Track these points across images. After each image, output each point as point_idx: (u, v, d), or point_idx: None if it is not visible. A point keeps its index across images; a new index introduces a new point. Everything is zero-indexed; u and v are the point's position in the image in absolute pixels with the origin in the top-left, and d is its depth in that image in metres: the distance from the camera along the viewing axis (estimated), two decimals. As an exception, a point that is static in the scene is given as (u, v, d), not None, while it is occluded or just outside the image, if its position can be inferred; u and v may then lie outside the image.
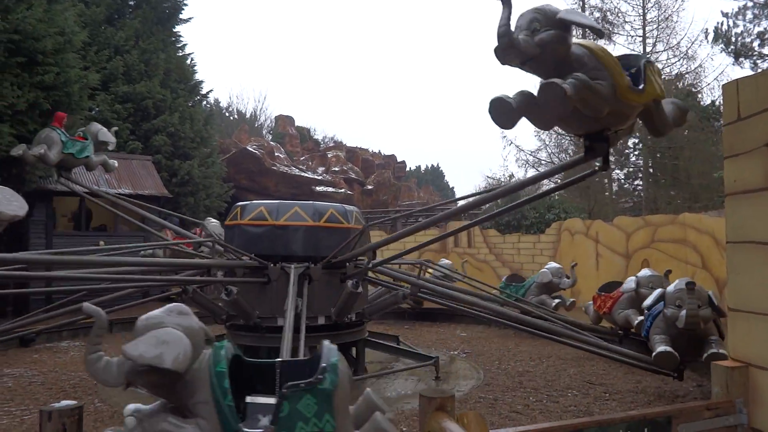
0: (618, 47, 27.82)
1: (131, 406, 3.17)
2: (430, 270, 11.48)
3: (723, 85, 3.62)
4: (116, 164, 10.79)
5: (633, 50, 27.07)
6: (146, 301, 11.60)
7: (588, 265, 15.29)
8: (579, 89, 3.73)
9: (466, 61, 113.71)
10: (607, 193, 28.37)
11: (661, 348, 6.07)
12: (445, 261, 12.72)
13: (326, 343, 3.41)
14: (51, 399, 7.23)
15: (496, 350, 10.71)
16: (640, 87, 4.16)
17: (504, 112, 4.02)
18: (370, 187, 33.12)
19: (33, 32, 11.51)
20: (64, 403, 1.82)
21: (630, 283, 10.15)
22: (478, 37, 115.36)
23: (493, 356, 10.12)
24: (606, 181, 28.83)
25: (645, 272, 10.22)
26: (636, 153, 28.46)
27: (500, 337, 11.94)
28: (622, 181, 30.11)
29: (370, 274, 8.20)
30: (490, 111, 4.10)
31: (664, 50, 26.56)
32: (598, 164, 5.08)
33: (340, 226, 7.87)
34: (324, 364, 3.20)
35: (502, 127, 4.19)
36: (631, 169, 28.91)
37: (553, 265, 11.84)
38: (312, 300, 7.52)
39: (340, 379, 3.11)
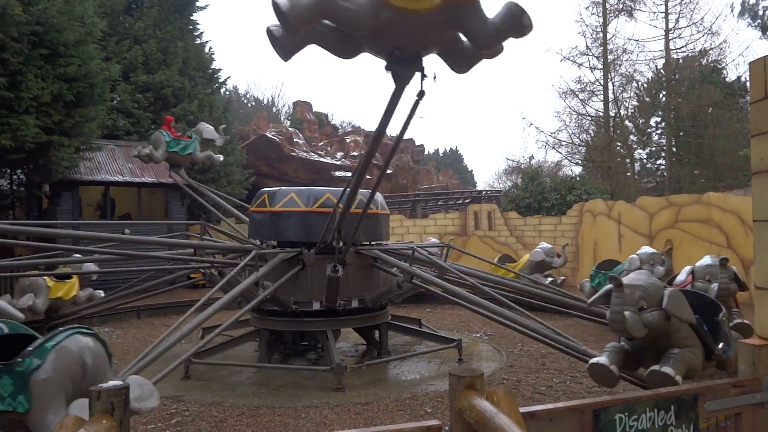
0: (640, 24, 27.29)
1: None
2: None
3: (750, 63, 3.53)
4: (221, 158, 11.60)
5: (655, 27, 26.62)
6: (174, 287, 11.86)
7: (610, 247, 15.18)
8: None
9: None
10: (629, 174, 28.04)
11: (594, 359, 4.79)
12: (543, 245, 12.52)
13: (62, 329, 3.63)
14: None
15: (516, 336, 10.73)
16: None
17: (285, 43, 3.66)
18: (389, 171, 33.09)
19: (55, 24, 11.66)
20: (112, 383, 1.90)
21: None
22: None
23: (515, 338, 10.13)
24: (628, 161, 28.48)
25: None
26: (659, 132, 28.06)
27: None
28: (645, 160, 29.74)
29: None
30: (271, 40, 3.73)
31: (688, 26, 26.03)
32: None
33: (370, 212, 7.95)
34: (30, 348, 3.41)
35: (282, 58, 3.76)
36: (653, 149, 28.53)
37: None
38: (347, 285, 7.66)
39: (48, 364, 3.31)
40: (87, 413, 2.49)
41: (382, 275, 8.16)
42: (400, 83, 4.17)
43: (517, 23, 3.38)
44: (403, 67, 4.01)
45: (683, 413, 2.47)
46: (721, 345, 4.84)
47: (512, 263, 12.99)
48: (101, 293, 10.41)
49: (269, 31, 3.75)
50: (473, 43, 3.76)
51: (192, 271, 10.89)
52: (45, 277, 9.61)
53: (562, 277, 12.74)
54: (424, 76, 4.08)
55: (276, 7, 3.45)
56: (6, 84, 11.02)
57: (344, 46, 3.88)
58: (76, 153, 13.73)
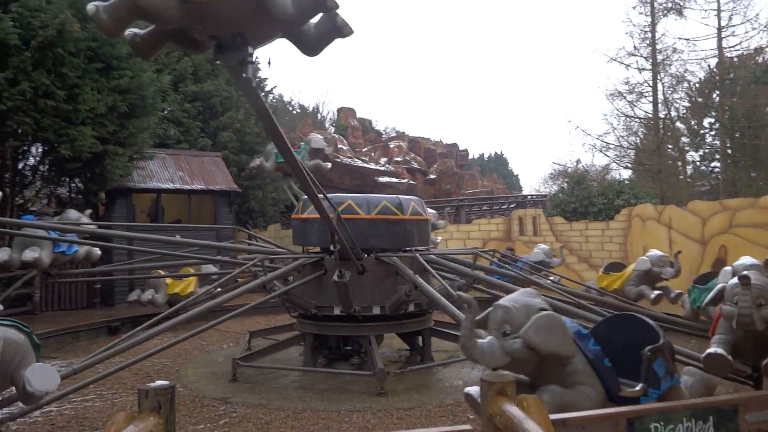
0: (690, 22, 26.49)
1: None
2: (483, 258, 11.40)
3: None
4: (329, 166, 12.44)
5: (707, 25, 25.77)
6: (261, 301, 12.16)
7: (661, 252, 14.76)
8: None
9: (528, 47, 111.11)
10: (681, 177, 27.17)
11: (710, 349, 4.98)
12: (542, 246, 12.39)
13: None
14: (137, 383, 7.73)
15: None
16: None
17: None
18: (432, 176, 33.05)
19: (108, 39, 12.17)
20: (159, 383, 2.02)
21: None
22: (537, 23, 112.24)
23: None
24: (680, 164, 27.62)
25: (654, 252, 10.60)
26: (712, 133, 27.11)
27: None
28: (698, 163, 28.75)
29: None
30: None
31: (742, 23, 25.10)
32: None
33: (395, 218, 8.00)
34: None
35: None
36: (707, 151, 27.57)
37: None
38: (367, 291, 7.72)
39: None
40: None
41: (432, 281, 8.18)
42: (231, 72, 4.25)
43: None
44: (227, 56, 4.08)
45: (722, 424, 2.42)
46: None
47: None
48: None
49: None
50: (279, 24, 3.76)
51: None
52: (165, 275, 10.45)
53: (677, 291, 10.38)
54: (250, 62, 4.15)
55: (91, 14, 3.62)
56: (65, 97, 11.57)
57: (190, 42, 3.97)
58: (129, 162, 14.28)
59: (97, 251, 11.66)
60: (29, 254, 10.05)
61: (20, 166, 13.79)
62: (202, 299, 8.54)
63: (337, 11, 3.82)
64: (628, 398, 3.63)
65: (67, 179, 16.18)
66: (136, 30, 3.99)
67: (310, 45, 4.05)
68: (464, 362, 8.60)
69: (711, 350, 4.83)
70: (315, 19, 3.83)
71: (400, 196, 8.55)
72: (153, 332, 6.39)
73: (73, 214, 11.44)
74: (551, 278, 11.40)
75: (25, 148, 13.58)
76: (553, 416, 2.05)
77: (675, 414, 2.29)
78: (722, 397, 2.66)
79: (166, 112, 18.34)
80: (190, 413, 6.41)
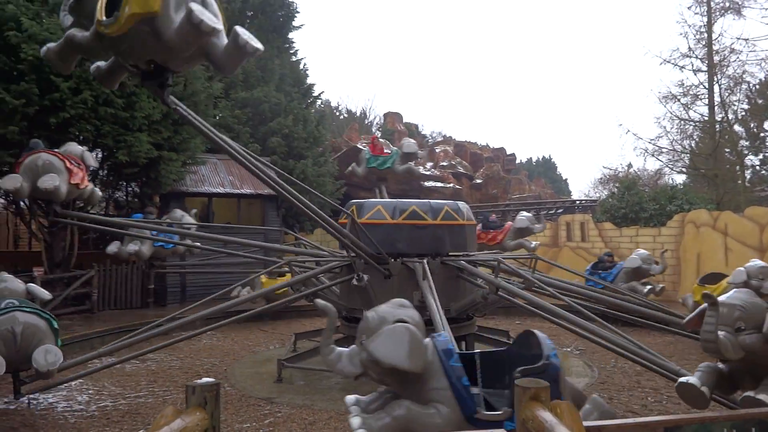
0: (749, 22, 25.47)
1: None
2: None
3: None
4: (421, 170, 12.94)
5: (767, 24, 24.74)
6: (284, 302, 12.48)
7: (716, 260, 14.25)
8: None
9: (579, 49, 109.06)
10: (739, 182, 26.14)
11: (683, 378, 4.49)
12: (640, 251, 11.98)
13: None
14: (187, 381, 7.99)
15: (603, 350, 10.32)
16: (113, 16, 4.01)
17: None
18: (479, 181, 32.82)
19: (164, 49, 12.65)
20: (205, 380, 2.13)
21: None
22: (588, 25, 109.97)
23: (608, 354, 9.75)
24: (738, 168, 26.58)
25: (640, 252, 11.43)
26: (774, 136, 26.02)
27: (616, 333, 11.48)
28: (758, 167, 27.62)
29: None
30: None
31: (806, 22, 23.97)
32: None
33: (455, 222, 8.03)
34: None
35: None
36: (767, 154, 26.47)
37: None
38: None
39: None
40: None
41: (468, 286, 8.18)
42: (155, 94, 4.91)
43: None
44: (147, 82, 4.76)
45: (766, 437, 2.36)
46: None
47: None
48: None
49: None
50: (171, 52, 4.41)
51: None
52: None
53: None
54: (167, 85, 4.80)
55: (43, 56, 4.56)
56: (123, 105, 12.08)
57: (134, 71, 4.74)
58: (182, 167, 14.78)
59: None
60: (132, 247, 11.18)
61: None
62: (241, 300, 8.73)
63: (240, 33, 4.40)
64: (488, 421, 3.41)
65: (124, 183, 16.86)
66: (99, 63, 4.82)
67: (222, 65, 4.65)
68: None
69: (683, 379, 4.39)
70: (224, 42, 4.51)
71: (456, 202, 8.61)
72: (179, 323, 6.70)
73: (177, 213, 12.31)
74: (648, 287, 11.48)
75: (86, 153, 14.24)
76: (587, 423, 2.06)
77: (715, 425, 2.26)
78: (766, 409, 2.59)
79: (217, 118, 18.88)
80: (236, 412, 6.60)
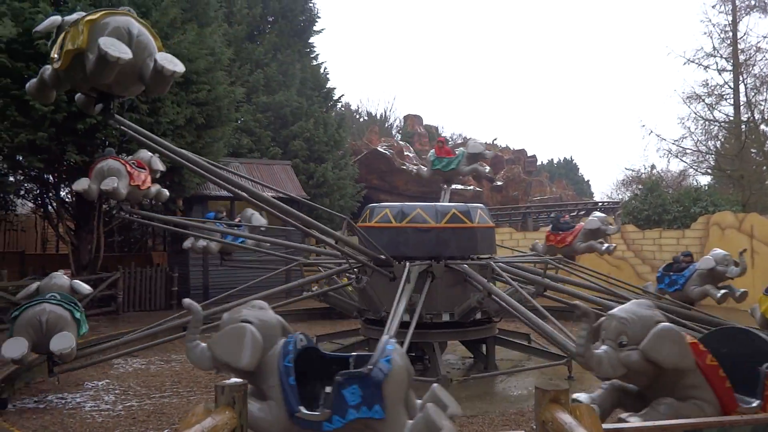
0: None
1: (584, 396, 3.87)
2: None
3: None
4: (488, 169, 12.87)
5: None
6: (291, 301, 12.55)
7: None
8: None
9: (600, 49, 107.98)
10: (766, 183, 25.66)
11: (575, 394, 4.03)
12: (716, 251, 11.01)
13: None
14: (211, 382, 8.12)
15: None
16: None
17: None
18: (499, 183, 32.70)
19: (188, 54, 12.86)
20: (233, 380, 2.21)
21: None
22: (610, 25, 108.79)
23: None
24: (765, 168, 26.11)
25: (717, 251, 10.24)
26: (802, 136, 25.51)
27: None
28: (786, 168, 27.12)
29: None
30: None
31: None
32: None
33: (462, 226, 8.03)
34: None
35: None
36: (796, 154, 25.97)
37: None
38: (435, 297, 7.77)
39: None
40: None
41: (473, 290, 8.18)
42: (103, 116, 5.83)
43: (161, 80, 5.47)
44: (91, 108, 5.69)
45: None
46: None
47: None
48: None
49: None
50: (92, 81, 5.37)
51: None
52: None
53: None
54: (110, 110, 5.72)
55: (27, 90, 5.69)
56: (147, 110, 12.30)
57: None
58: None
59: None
60: (202, 243, 11.58)
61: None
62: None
63: (158, 59, 5.31)
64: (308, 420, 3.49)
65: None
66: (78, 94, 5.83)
67: (150, 89, 5.65)
68: (528, 372, 8.52)
69: (575, 395, 3.96)
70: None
71: (468, 204, 8.59)
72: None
73: (248, 212, 12.53)
74: (723, 291, 10.21)
75: (111, 158, 14.52)
76: (606, 426, 2.09)
77: (735, 428, 2.27)
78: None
79: (239, 122, 19.10)
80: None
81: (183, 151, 7.14)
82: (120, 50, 5.00)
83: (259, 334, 3.68)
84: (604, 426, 2.05)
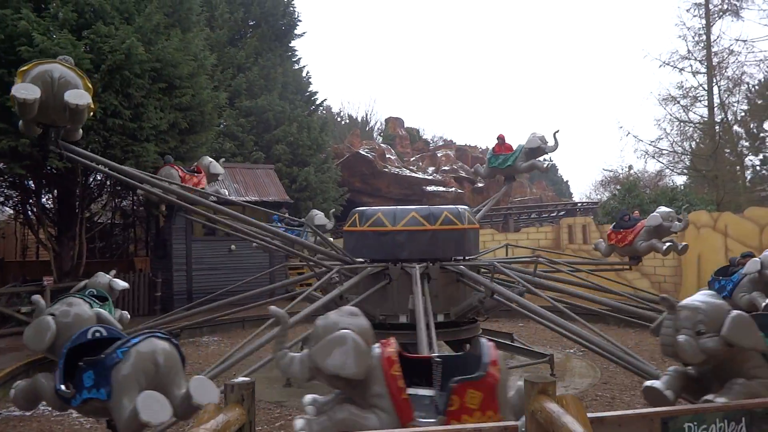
0: (748, 23, 25.64)
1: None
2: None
3: None
4: (546, 165, 12.33)
5: (766, 25, 24.90)
6: (275, 299, 12.59)
7: (717, 261, 14.39)
8: None
9: (578, 52, 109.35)
10: (739, 182, 26.29)
11: (648, 382, 4.58)
12: (662, 208, 10.60)
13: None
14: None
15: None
16: None
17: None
18: (480, 185, 33.01)
19: (171, 60, 12.88)
20: (241, 379, 2.32)
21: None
22: (588, 28, 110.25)
23: (612, 354, 9.91)
24: (738, 168, 26.75)
25: (662, 209, 10.16)
26: (773, 136, 26.20)
27: (619, 334, 11.65)
28: (758, 167, 27.78)
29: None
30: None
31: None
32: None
33: (455, 227, 8.18)
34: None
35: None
36: (767, 154, 26.64)
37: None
38: (431, 299, 7.90)
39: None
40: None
41: (468, 290, 8.33)
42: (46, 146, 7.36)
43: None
44: (41, 138, 6.85)
45: (755, 425, 2.53)
46: None
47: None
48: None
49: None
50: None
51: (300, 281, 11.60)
52: None
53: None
54: (50, 137, 7.15)
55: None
56: (130, 116, 12.29)
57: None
58: (188, 175, 14.98)
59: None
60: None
61: (88, 181, 14.66)
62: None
63: (65, 94, 6.52)
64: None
65: (131, 192, 17.06)
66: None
67: (72, 121, 6.83)
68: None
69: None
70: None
71: (457, 206, 8.73)
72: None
73: (313, 212, 12.69)
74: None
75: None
76: (590, 414, 2.24)
77: (709, 415, 2.43)
78: (757, 401, 2.76)
79: (222, 127, 19.10)
80: (250, 415, 6.77)
81: (115, 164, 8.72)
82: (28, 93, 6.25)
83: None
84: (591, 415, 2.21)
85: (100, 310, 5.39)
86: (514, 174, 12.18)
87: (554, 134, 11.79)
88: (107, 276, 8.93)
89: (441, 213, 8.13)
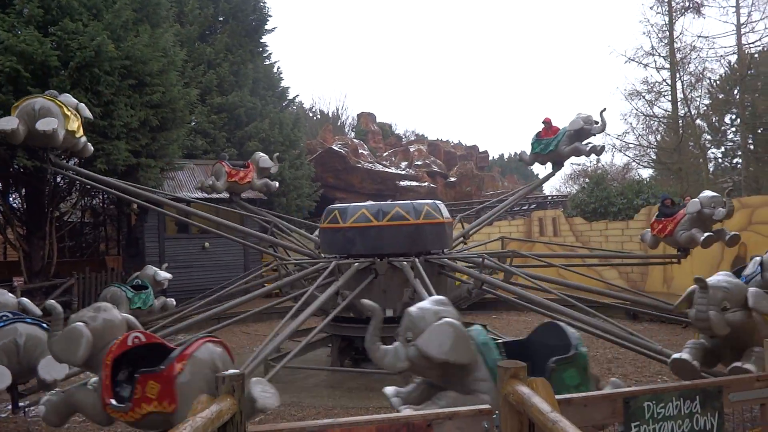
0: (708, 20, 26.43)
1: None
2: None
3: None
4: (588, 148, 11.34)
5: (726, 22, 25.69)
6: (250, 296, 12.56)
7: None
8: None
9: (546, 48, 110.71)
10: (702, 174, 27.07)
11: (676, 354, 5.12)
12: (705, 193, 9.53)
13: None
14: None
15: (585, 338, 10.72)
16: None
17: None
18: (453, 179, 33.30)
19: (141, 56, 12.76)
20: (231, 371, 2.43)
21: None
22: (555, 24, 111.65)
23: (584, 342, 10.22)
24: (701, 161, 27.53)
25: (706, 193, 9.15)
26: (734, 130, 26.97)
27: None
28: (720, 160, 28.61)
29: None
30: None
31: (761, 19, 25.02)
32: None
33: (436, 221, 8.36)
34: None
35: None
36: (729, 146, 27.46)
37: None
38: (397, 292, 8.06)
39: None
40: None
41: (450, 283, 8.52)
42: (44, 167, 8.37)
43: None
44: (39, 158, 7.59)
45: (708, 403, 2.75)
46: None
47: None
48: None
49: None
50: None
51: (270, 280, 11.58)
52: None
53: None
54: (44, 158, 8.81)
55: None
56: (100, 113, 12.16)
57: None
58: (160, 173, 14.86)
59: None
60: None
61: (57, 180, 14.44)
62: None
63: (37, 123, 7.98)
64: None
65: (101, 191, 16.82)
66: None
67: (48, 143, 8.37)
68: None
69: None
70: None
71: (436, 201, 8.88)
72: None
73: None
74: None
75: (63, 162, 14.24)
76: (558, 396, 2.42)
77: (665, 394, 2.63)
78: (708, 381, 2.99)
79: (193, 123, 18.95)
80: (229, 410, 6.84)
81: (104, 178, 9.95)
82: (7, 124, 7.76)
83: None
84: (559, 397, 2.39)
85: (128, 315, 5.08)
86: (558, 159, 11.45)
87: (601, 113, 11.12)
88: (153, 268, 10.73)
89: (423, 207, 8.29)
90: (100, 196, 19.26)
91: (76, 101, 9.63)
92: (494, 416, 2.50)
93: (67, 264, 16.05)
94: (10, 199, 14.70)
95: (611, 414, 2.54)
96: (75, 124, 8.64)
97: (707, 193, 9.25)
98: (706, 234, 8.97)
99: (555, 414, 1.96)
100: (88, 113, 9.68)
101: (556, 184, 57.10)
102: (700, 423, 2.68)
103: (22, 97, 11.32)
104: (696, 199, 9.14)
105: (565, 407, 2.31)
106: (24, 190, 13.84)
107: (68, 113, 8.93)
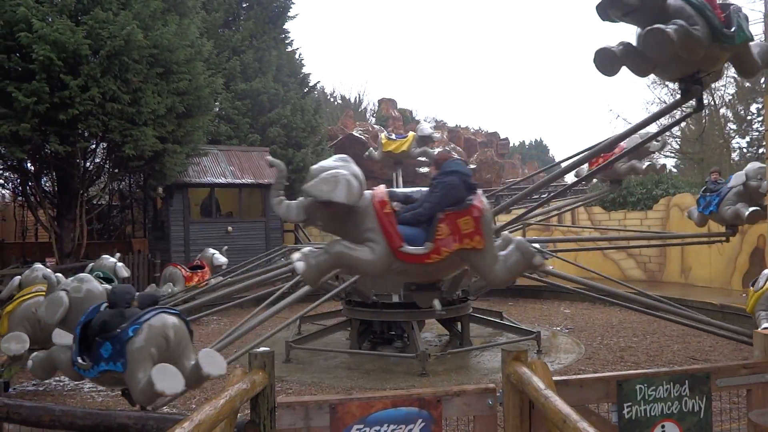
0: None
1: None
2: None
3: None
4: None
5: (753, 9, 25.21)
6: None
7: (699, 245, 14.88)
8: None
9: (569, 34, 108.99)
10: (725, 164, 26.76)
11: (765, 324, 5.77)
12: (754, 164, 8.86)
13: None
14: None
15: (600, 326, 11.01)
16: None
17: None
18: (472, 166, 33.33)
19: (168, 45, 13.08)
20: (263, 349, 2.70)
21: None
22: (576, 10, 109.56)
23: (596, 332, 10.44)
24: (725, 150, 27.20)
25: (753, 164, 8.56)
26: (760, 119, 26.57)
27: (605, 313, 12.16)
28: (745, 150, 28.23)
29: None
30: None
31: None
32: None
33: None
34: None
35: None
36: (754, 136, 27.06)
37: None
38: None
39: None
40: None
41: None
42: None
43: None
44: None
45: (696, 387, 2.96)
46: None
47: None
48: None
49: None
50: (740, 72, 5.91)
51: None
52: None
53: None
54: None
55: None
56: (129, 101, 12.54)
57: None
58: (186, 159, 15.26)
59: None
60: None
61: (87, 164, 14.93)
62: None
63: None
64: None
65: (129, 175, 17.32)
66: None
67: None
68: (500, 347, 9.18)
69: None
70: None
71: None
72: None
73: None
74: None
75: (93, 147, 14.72)
76: (556, 378, 2.66)
77: (656, 378, 2.85)
78: (697, 366, 3.19)
79: (218, 110, 19.30)
80: (253, 388, 7.20)
81: None
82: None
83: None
84: (556, 378, 2.63)
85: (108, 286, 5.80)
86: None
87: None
88: (112, 259, 9.60)
89: None
90: (128, 180, 19.78)
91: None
92: (498, 394, 2.75)
93: (95, 246, 16.59)
94: (43, 181, 15.23)
95: (605, 395, 2.78)
96: None
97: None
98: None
99: (548, 390, 2.20)
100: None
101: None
102: (688, 405, 2.90)
103: (55, 84, 11.85)
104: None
105: (562, 387, 2.54)
106: (55, 173, 14.33)
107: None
